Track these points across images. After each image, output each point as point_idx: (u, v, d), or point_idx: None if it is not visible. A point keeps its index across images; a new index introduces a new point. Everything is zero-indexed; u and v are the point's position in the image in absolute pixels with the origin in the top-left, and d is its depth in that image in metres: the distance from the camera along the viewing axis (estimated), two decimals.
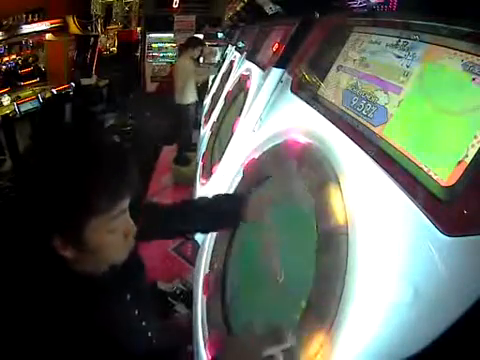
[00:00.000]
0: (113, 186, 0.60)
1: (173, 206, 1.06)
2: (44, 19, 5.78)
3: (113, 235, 0.64)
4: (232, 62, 3.06)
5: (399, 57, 0.79)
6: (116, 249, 0.66)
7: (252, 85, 1.83)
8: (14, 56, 6.20)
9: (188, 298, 1.79)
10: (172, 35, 7.41)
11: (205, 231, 1.21)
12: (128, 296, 0.78)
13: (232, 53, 3.48)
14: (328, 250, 0.71)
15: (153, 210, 1.02)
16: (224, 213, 1.02)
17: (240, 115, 1.74)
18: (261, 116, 1.43)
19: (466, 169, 0.53)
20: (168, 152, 4.48)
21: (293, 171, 0.97)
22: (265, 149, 1.17)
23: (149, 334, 0.85)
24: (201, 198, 1.11)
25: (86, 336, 0.60)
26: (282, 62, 1.45)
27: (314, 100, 1.07)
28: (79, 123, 0.73)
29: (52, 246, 0.59)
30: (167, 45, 7.50)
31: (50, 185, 0.57)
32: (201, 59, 5.59)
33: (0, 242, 0.68)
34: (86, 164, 0.58)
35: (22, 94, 5.02)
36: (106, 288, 0.68)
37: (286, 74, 1.37)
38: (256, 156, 1.21)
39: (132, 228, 0.67)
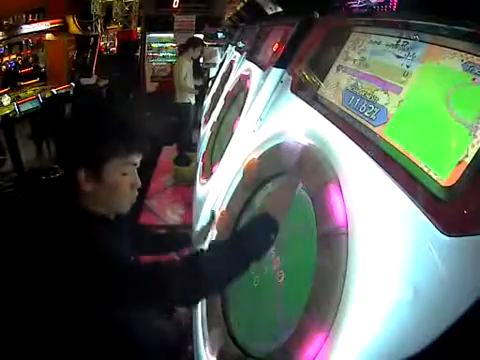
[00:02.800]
0: (129, 140, 0.83)
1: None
2: (44, 19, 5.78)
3: (124, 179, 0.84)
4: (232, 62, 3.06)
5: (399, 57, 0.79)
6: (124, 193, 0.85)
7: (252, 85, 1.83)
8: (14, 56, 6.21)
9: None
10: (172, 35, 7.39)
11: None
12: (132, 257, 0.93)
13: (232, 53, 3.47)
14: (328, 250, 0.71)
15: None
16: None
17: (240, 115, 1.74)
18: (261, 116, 1.43)
19: (466, 169, 0.53)
20: (168, 152, 4.48)
21: (292, 171, 0.97)
22: (265, 149, 1.17)
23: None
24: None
25: (98, 274, 0.71)
26: (282, 62, 1.45)
27: (314, 100, 1.07)
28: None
29: (76, 180, 0.79)
30: (167, 45, 7.48)
31: (86, 131, 0.81)
32: (201, 59, 5.59)
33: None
34: (113, 123, 0.84)
35: (22, 94, 5.02)
36: (116, 233, 0.87)
37: (286, 74, 1.37)
38: (256, 156, 1.21)
39: (137, 182, 0.87)
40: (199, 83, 4.32)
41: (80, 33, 6.32)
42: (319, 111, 1.00)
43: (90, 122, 0.83)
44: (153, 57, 7.52)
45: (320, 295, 0.69)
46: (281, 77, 1.41)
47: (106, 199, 0.85)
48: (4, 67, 5.93)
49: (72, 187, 0.81)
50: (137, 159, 0.87)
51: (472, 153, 0.53)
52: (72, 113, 0.93)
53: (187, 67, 3.99)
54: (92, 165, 0.80)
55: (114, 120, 0.85)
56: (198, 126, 3.76)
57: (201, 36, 5.70)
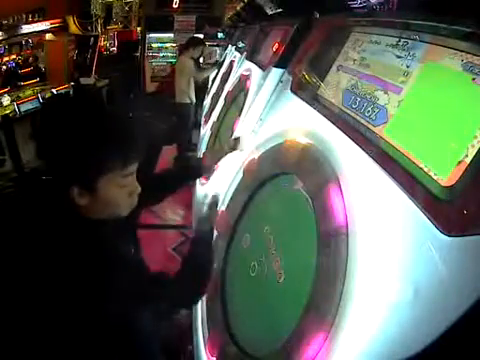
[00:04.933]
0: (125, 151, 0.76)
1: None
2: (44, 19, 5.78)
3: (121, 190, 0.78)
4: (232, 62, 3.06)
5: (399, 57, 0.79)
6: (121, 203, 0.80)
7: (252, 85, 1.83)
8: (14, 56, 6.20)
9: None
10: (172, 35, 7.39)
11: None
12: (132, 249, 0.92)
13: (232, 53, 3.47)
14: (328, 250, 0.71)
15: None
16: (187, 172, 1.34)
17: (240, 115, 1.74)
18: (261, 116, 1.43)
19: (466, 169, 0.53)
20: (168, 152, 4.48)
21: (293, 171, 0.97)
22: (265, 149, 1.17)
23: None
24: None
25: (97, 274, 0.71)
26: (282, 62, 1.45)
27: (314, 100, 1.07)
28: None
29: (69, 196, 0.73)
30: (167, 45, 7.48)
31: (81, 146, 0.71)
32: (201, 59, 5.59)
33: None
34: (108, 133, 0.75)
35: (22, 94, 5.02)
36: (115, 231, 0.82)
37: (286, 74, 1.37)
38: (256, 156, 1.21)
39: (136, 189, 0.82)
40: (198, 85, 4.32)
41: (80, 33, 6.33)
42: (319, 111, 1.00)
43: (79, 134, 0.72)
44: (153, 57, 7.52)
45: (320, 295, 0.69)
46: (281, 77, 1.41)
47: (102, 210, 0.80)
48: (4, 67, 5.93)
49: (64, 198, 0.74)
50: (135, 167, 0.80)
51: (472, 153, 0.53)
52: (55, 120, 0.77)
53: (187, 67, 3.99)
54: (84, 182, 0.73)
55: (107, 130, 0.75)
56: (198, 126, 3.76)
57: (201, 36, 5.69)
